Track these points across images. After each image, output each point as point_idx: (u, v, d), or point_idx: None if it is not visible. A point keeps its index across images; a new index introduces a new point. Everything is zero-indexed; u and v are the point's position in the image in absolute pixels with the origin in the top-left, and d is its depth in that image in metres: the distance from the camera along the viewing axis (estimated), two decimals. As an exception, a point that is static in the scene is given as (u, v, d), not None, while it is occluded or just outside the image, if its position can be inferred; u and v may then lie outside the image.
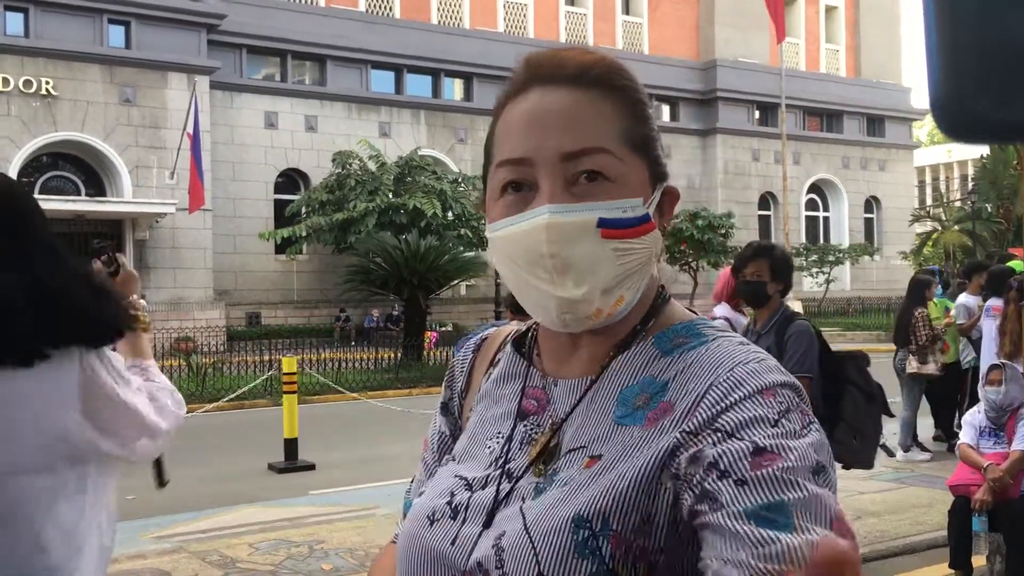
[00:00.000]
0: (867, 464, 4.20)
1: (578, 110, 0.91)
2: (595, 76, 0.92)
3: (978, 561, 4.79)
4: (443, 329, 24.54)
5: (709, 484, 0.78)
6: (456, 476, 0.99)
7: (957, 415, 8.30)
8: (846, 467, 4.13)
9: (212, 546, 5.80)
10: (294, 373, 9.09)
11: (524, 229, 0.90)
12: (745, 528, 0.73)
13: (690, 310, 1.00)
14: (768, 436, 0.79)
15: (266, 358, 16.34)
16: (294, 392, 8.97)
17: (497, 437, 0.99)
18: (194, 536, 6.13)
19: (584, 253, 0.89)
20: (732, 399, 0.82)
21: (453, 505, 0.94)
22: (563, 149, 0.90)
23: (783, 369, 0.87)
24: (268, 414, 12.23)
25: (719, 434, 0.80)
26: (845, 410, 3.92)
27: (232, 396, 12.04)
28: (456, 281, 21.43)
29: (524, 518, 0.87)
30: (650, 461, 0.83)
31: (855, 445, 3.95)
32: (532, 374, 1.01)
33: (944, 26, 0.34)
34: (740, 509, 0.75)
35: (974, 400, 6.39)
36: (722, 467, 0.78)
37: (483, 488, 0.94)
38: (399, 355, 18.17)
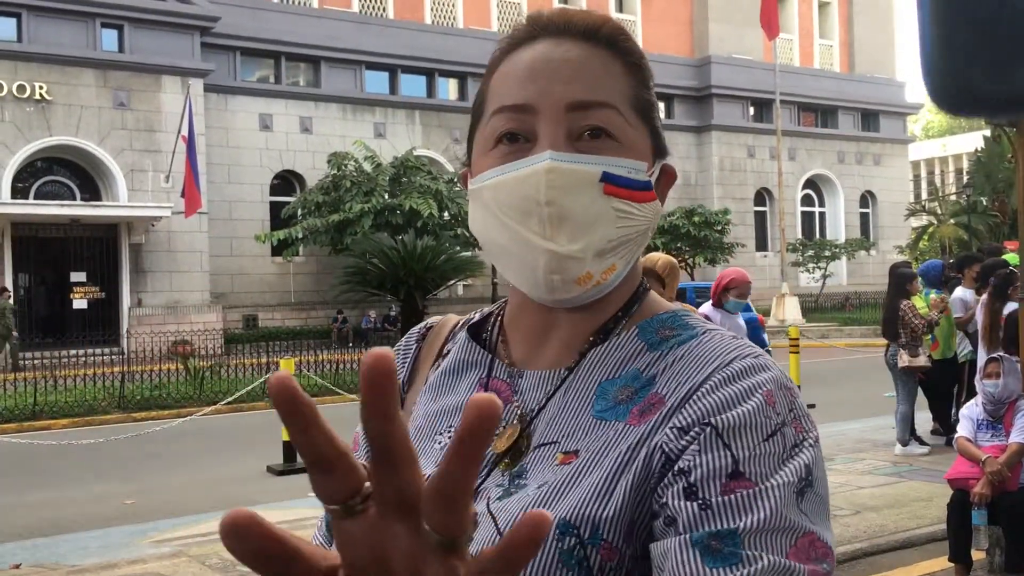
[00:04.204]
0: None
1: (589, 63, 0.86)
2: (605, 35, 0.88)
3: (978, 554, 4.80)
4: (441, 329, 24.49)
5: (672, 503, 0.73)
6: None
7: (955, 408, 8.31)
8: None
9: (212, 549, 5.79)
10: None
11: (520, 175, 0.83)
12: (689, 560, 0.70)
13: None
14: (754, 457, 0.73)
15: (263, 360, 16.31)
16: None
17: (449, 431, 0.91)
18: (194, 540, 6.11)
19: (583, 206, 0.82)
20: (728, 394, 0.76)
21: None
22: (570, 98, 0.84)
23: (778, 366, 0.82)
24: (266, 417, 12.20)
25: (708, 429, 0.75)
26: None
27: (230, 399, 12.01)
28: (453, 281, 21.46)
29: (496, 521, 0.79)
30: (646, 460, 0.77)
31: None
32: (494, 364, 0.93)
33: None
34: (690, 538, 0.71)
35: (971, 393, 6.42)
36: (692, 480, 0.73)
37: None
38: (397, 356, 18.14)
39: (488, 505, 0.81)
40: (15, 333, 19.03)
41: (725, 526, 0.70)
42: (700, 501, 0.72)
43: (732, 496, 0.71)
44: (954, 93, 0.34)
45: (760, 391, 0.77)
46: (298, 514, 6.84)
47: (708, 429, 0.75)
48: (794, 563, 0.69)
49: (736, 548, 0.69)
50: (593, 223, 0.83)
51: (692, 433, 0.76)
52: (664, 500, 0.74)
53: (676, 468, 0.74)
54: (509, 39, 0.91)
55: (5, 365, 18.38)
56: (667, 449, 0.76)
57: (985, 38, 0.31)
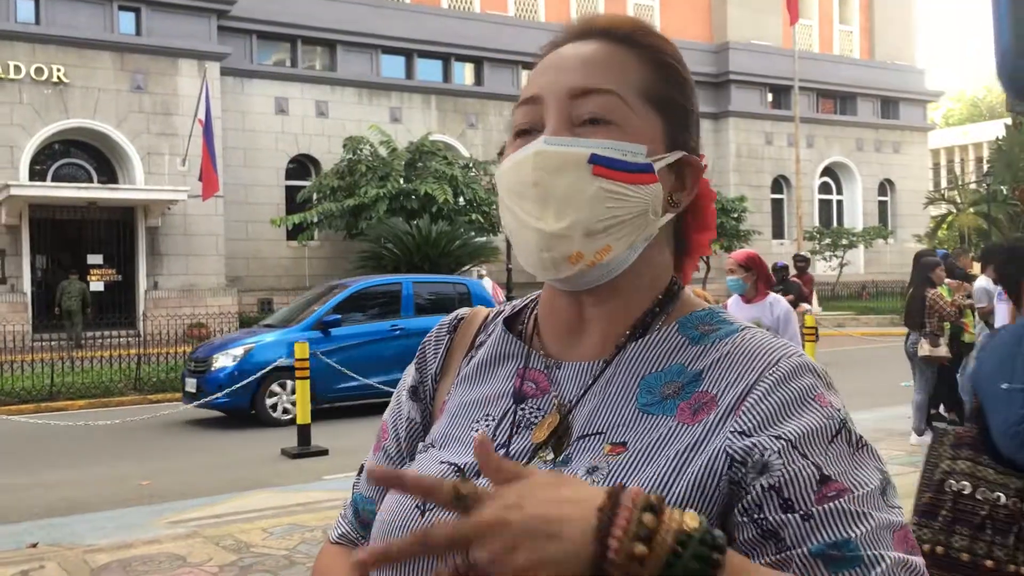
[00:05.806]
0: None
1: (597, 55, 0.91)
2: (624, 33, 0.93)
3: (994, 546, 4.77)
4: (455, 314, 24.49)
5: (772, 516, 0.76)
6: (443, 463, 0.92)
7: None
8: None
9: (226, 531, 5.83)
10: (306, 359, 9.10)
11: (517, 160, 0.89)
12: (818, 570, 0.73)
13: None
14: (831, 459, 0.78)
15: (279, 344, 16.34)
16: (306, 378, 8.98)
17: (486, 420, 0.94)
18: (208, 521, 6.15)
19: (568, 184, 0.86)
20: (785, 398, 0.81)
21: None
22: (571, 84, 0.89)
23: (815, 363, 0.86)
24: (281, 400, 12.25)
25: (782, 442, 0.78)
26: None
27: (245, 381, 12.06)
28: (467, 266, 21.45)
29: None
30: (708, 463, 0.80)
31: None
32: (530, 355, 0.96)
33: None
34: (807, 550, 0.74)
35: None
36: (786, 496, 0.76)
37: (478, 474, 0.87)
38: (411, 340, 18.18)
39: None
40: (88, 310, 19.81)
41: (839, 536, 0.74)
42: (801, 512, 0.76)
43: (831, 504, 0.75)
44: None
45: (813, 395, 0.81)
46: (311, 497, 6.87)
47: (783, 443, 0.78)
48: (905, 556, 0.74)
49: (856, 551, 0.73)
50: (578, 201, 0.85)
51: (756, 439, 0.79)
52: (757, 515, 0.77)
53: (766, 484, 0.77)
54: (548, 45, 0.97)
55: (74, 340, 18.73)
56: (732, 451, 0.80)
57: None
